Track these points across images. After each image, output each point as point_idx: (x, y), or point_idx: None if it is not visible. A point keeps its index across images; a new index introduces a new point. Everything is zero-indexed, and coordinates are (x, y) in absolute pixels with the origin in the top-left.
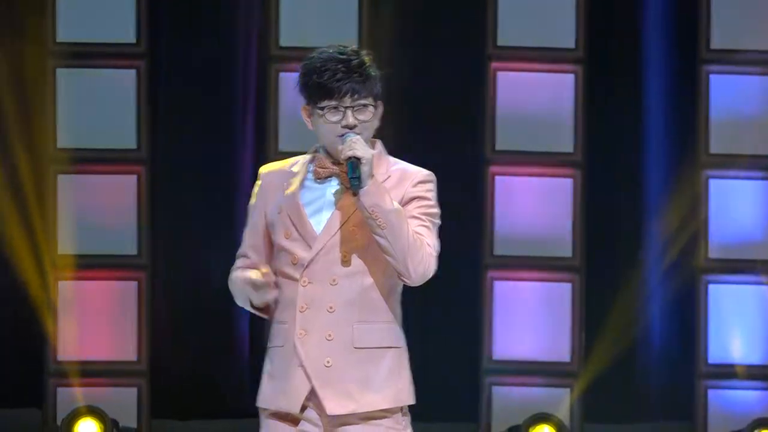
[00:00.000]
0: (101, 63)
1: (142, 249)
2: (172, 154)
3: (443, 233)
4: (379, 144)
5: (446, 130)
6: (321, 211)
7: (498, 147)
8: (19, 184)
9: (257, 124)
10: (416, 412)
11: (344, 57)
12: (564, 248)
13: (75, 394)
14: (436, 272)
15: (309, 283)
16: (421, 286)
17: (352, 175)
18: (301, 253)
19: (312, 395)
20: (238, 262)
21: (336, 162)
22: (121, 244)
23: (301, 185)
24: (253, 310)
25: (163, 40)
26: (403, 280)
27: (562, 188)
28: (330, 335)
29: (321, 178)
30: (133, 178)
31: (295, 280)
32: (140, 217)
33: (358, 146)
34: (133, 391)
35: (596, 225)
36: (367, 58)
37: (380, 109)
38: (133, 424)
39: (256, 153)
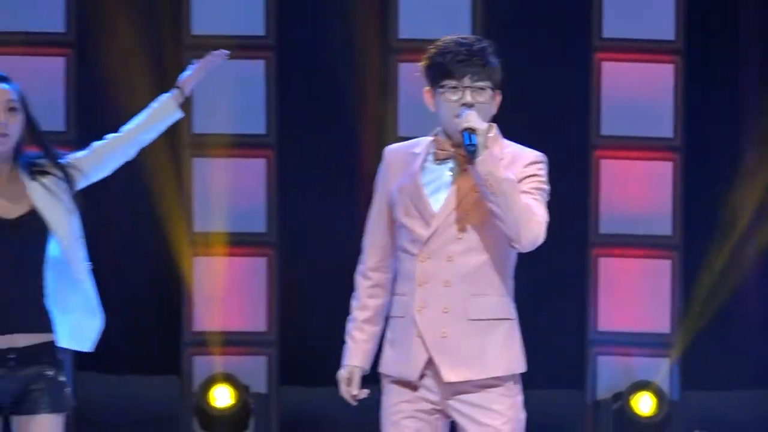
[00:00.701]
0: (232, 54)
1: (272, 227)
2: (298, 139)
3: (554, 212)
4: (494, 127)
5: (556, 116)
6: (439, 190)
7: (603, 132)
8: (159, 168)
9: (378, 110)
10: (527, 380)
11: (466, 42)
12: (664, 227)
13: (210, 362)
14: (546, 248)
15: (427, 258)
16: (532, 262)
17: (468, 144)
18: (420, 230)
19: (430, 364)
20: (358, 290)
21: (455, 144)
22: (252, 222)
23: (422, 166)
24: None
25: (291, 33)
26: (513, 246)
27: (662, 171)
28: (446, 308)
29: (440, 159)
30: (262, 161)
31: (414, 255)
32: (270, 198)
33: (473, 119)
34: (263, 359)
35: (694, 205)
36: (488, 47)
37: (498, 98)
38: (264, 390)
39: (377, 138)
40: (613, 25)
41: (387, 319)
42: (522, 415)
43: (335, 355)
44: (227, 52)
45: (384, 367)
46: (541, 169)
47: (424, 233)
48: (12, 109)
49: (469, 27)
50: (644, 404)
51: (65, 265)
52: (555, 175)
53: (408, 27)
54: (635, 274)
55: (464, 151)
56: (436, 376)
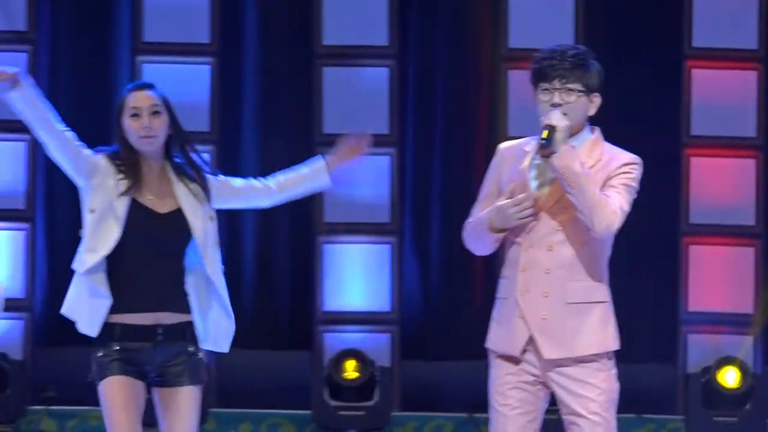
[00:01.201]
0: (359, 62)
1: (395, 217)
2: (419, 140)
3: (650, 205)
4: (597, 131)
5: (649, 118)
6: (543, 185)
7: (693, 133)
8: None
9: (490, 114)
10: (623, 356)
11: (561, 50)
12: (748, 217)
13: (339, 338)
14: (643, 237)
15: (529, 247)
16: (632, 250)
17: (545, 140)
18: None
19: (530, 342)
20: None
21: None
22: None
23: (531, 162)
24: (494, 236)
25: (410, 42)
26: (592, 234)
27: (746, 167)
28: (546, 293)
29: (545, 156)
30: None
31: (519, 243)
32: (393, 193)
33: (554, 117)
34: (387, 336)
35: None
36: (582, 53)
37: (596, 101)
38: (387, 364)
39: (489, 138)
40: (703, 35)
41: (494, 300)
42: (615, 387)
43: (451, 333)
44: (369, 140)
45: (490, 344)
46: (634, 170)
47: (528, 224)
48: (156, 113)
49: (572, 36)
50: (730, 378)
51: (202, 268)
52: (651, 172)
53: (517, 37)
54: (721, 260)
55: (543, 146)
56: (537, 352)
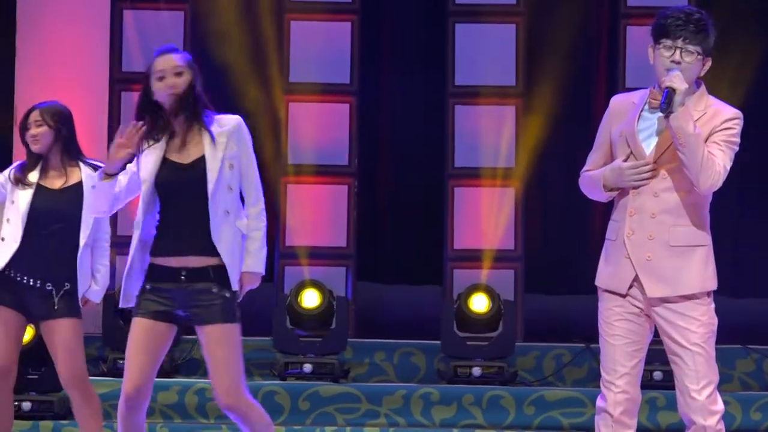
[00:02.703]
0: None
1: (519, 163)
2: (545, 93)
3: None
4: (702, 85)
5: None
6: (651, 136)
7: None
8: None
9: (609, 67)
10: (731, 291)
11: (688, 11)
12: None
13: (468, 275)
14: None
15: (637, 194)
16: (736, 202)
17: (665, 101)
18: None
19: (635, 280)
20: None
21: None
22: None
23: (640, 114)
24: (607, 194)
25: (538, 4)
26: (697, 189)
27: None
28: (651, 235)
29: (653, 108)
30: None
31: (627, 190)
32: (517, 141)
33: (676, 80)
34: (511, 272)
35: None
36: (705, 18)
37: (707, 64)
38: (511, 298)
39: (608, 89)
40: None
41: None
42: (714, 320)
43: (569, 269)
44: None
45: (599, 281)
46: (736, 125)
47: None
48: (178, 74)
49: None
50: None
51: (234, 214)
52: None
53: None
54: None
55: (662, 107)
56: (641, 289)
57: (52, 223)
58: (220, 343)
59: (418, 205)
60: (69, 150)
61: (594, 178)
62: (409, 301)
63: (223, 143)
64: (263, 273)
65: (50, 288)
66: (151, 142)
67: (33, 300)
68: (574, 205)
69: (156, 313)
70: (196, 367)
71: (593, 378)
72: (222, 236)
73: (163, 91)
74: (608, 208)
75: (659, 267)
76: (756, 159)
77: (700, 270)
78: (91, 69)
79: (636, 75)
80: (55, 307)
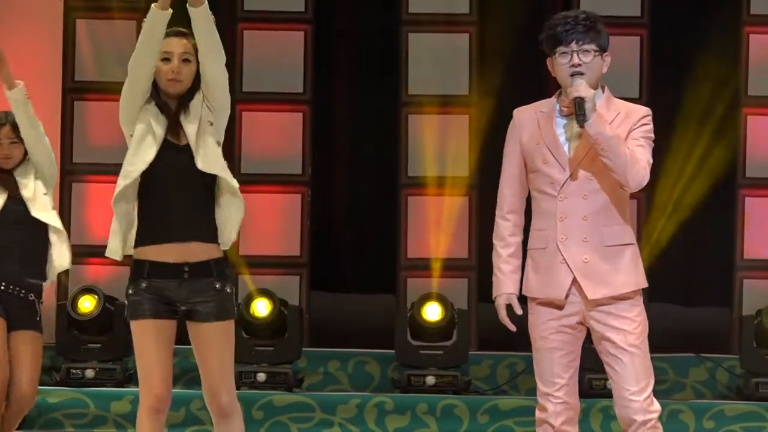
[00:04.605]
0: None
1: (472, 172)
2: (497, 102)
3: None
4: (606, 88)
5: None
6: (570, 140)
7: (750, 93)
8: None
9: None
10: (684, 300)
11: (572, 14)
12: None
13: (422, 283)
14: (701, 193)
15: (565, 198)
16: (693, 208)
17: (578, 111)
18: (558, 174)
19: (572, 285)
20: (500, 230)
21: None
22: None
23: (555, 122)
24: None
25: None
26: (623, 189)
27: None
28: (585, 238)
29: (565, 115)
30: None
31: (553, 196)
32: (470, 150)
33: (582, 88)
34: (465, 281)
35: None
36: (593, 16)
37: (607, 60)
38: (465, 307)
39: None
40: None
41: (527, 250)
42: (646, 320)
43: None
44: None
45: (530, 291)
46: (650, 121)
47: (561, 177)
48: (186, 60)
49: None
50: None
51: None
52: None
53: (587, 3)
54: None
55: (576, 118)
56: (579, 293)
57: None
58: (220, 341)
59: (372, 214)
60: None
61: (495, 263)
62: (362, 310)
63: (198, 110)
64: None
65: (32, 298)
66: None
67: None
68: (526, 214)
69: (159, 312)
70: None
71: None
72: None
73: (165, 75)
74: None
75: (596, 268)
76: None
77: (633, 268)
78: (44, 78)
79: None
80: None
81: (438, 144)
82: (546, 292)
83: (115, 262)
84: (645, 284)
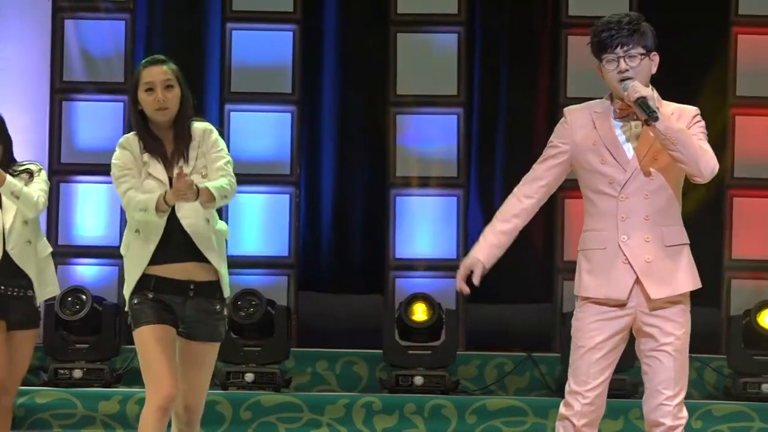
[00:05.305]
0: (430, 29)
1: (461, 171)
2: (485, 100)
3: None
4: (654, 90)
5: (695, 82)
6: (629, 141)
7: (739, 94)
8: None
9: (551, 76)
10: None
11: (616, 19)
12: None
13: (410, 284)
14: (697, 194)
15: (626, 198)
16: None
17: (646, 110)
18: (618, 175)
19: (635, 285)
20: (507, 206)
21: (628, 104)
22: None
23: (613, 123)
24: None
25: (479, 13)
26: (696, 180)
27: None
28: (647, 238)
29: (620, 117)
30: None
31: (613, 196)
32: (460, 150)
33: (640, 88)
34: (454, 282)
35: None
36: (636, 18)
37: (655, 59)
38: (453, 307)
39: (549, 98)
40: (749, 2)
41: (580, 252)
42: (690, 326)
43: (512, 278)
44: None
45: (588, 291)
46: (701, 119)
47: (622, 177)
48: (169, 86)
49: (627, 5)
50: None
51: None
52: None
53: (576, 6)
54: (762, 211)
55: (646, 117)
56: (640, 293)
57: None
58: (206, 362)
59: (360, 214)
60: (9, 160)
61: (483, 232)
62: (351, 310)
63: (194, 156)
64: (213, 200)
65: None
66: (151, 156)
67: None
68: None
69: (163, 318)
70: (138, 376)
71: (535, 387)
72: (208, 246)
73: (152, 105)
74: (548, 217)
75: (659, 268)
76: None
77: (691, 267)
78: (32, 78)
79: (576, 84)
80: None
81: (426, 144)
82: (605, 293)
83: (102, 263)
84: (700, 284)
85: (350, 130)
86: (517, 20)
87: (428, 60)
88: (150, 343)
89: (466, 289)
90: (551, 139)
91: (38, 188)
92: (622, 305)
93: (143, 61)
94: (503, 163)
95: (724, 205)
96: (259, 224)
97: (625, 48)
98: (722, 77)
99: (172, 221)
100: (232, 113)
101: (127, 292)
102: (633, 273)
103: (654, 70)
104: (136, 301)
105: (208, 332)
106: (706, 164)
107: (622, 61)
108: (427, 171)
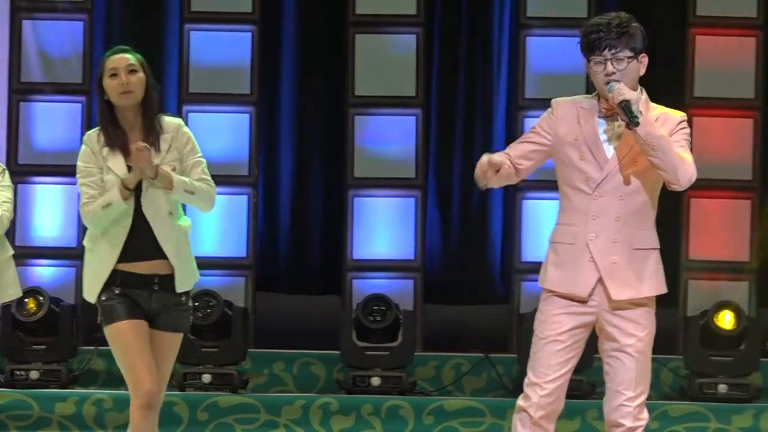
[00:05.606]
0: (389, 30)
1: (419, 173)
2: (443, 102)
3: None
4: (643, 90)
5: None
6: (610, 140)
7: (696, 95)
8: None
9: (509, 76)
10: None
11: (606, 20)
12: (745, 173)
13: (366, 284)
14: None
15: (600, 197)
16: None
17: (628, 114)
18: (594, 173)
19: (597, 284)
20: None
21: (612, 105)
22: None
23: (596, 122)
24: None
25: (438, 14)
26: (672, 188)
27: (744, 126)
28: (616, 239)
29: (605, 116)
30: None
31: (588, 193)
32: (417, 151)
33: (624, 90)
34: (411, 282)
35: None
36: (626, 20)
37: (644, 60)
38: (411, 308)
39: (508, 98)
40: (703, 3)
41: (550, 243)
42: (654, 328)
43: (469, 279)
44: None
45: (551, 285)
46: (687, 126)
47: (598, 176)
48: (132, 71)
49: (585, 5)
50: (725, 320)
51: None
52: None
53: (534, 5)
54: (720, 212)
55: (628, 120)
56: (602, 293)
57: None
58: (171, 350)
59: (318, 215)
60: None
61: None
62: (308, 311)
63: (165, 149)
64: (171, 187)
65: None
66: (110, 150)
67: None
68: (473, 215)
69: (135, 313)
70: (95, 377)
71: (492, 387)
72: (168, 239)
73: (116, 89)
74: (507, 218)
75: (624, 270)
76: None
77: (657, 273)
78: None
79: (535, 85)
80: None
81: (384, 145)
82: (568, 288)
83: (60, 263)
84: (666, 289)
85: (308, 131)
86: (476, 21)
87: (387, 61)
88: (125, 339)
89: (493, 180)
90: (537, 124)
91: (2, 201)
92: (584, 302)
93: (107, 51)
94: (461, 164)
95: (682, 206)
96: (216, 225)
97: (613, 51)
98: (680, 78)
99: (138, 217)
100: (190, 114)
101: (93, 289)
102: (597, 272)
103: (642, 71)
104: (104, 298)
105: (172, 322)
106: (684, 172)
107: (609, 63)
108: (385, 172)
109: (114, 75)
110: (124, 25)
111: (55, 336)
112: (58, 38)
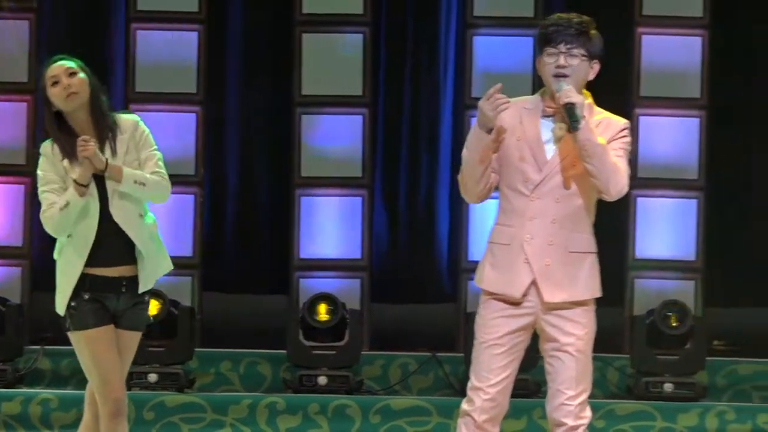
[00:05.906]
0: (336, 29)
1: (366, 172)
2: (390, 101)
3: None
4: (589, 95)
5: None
6: (549, 142)
7: (642, 94)
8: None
9: (456, 76)
10: None
11: (567, 17)
12: (692, 172)
13: (313, 283)
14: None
15: (537, 198)
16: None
17: (570, 117)
18: (533, 174)
19: (531, 286)
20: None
21: (558, 104)
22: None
23: (540, 123)
24: (484, 138)
25: (382, 11)
26: (601, 197)
27: (691, 125)
28: (551, 241)
29: (547, 116)
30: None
31: (526, 195)
32: (364, 150)
33: (572, 93)
34: (358, 281)
35: (718, 154)
36: (588, 22)
37: (595, 67)
38: (357, 307)
39: (455, 99)
40: (651, 2)
41: (488, 243)
42: (595, 327)
43: (415, 278)
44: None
45: (487, 285)
46: (629, 134)
47: (537, 177)
48: (72, 74)
49: (532, 6)
50: (672, 319)
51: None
52: None
53: (481, 5)
54: (667, 211)
55: (569, 123)
56: (536, 295)
57: None
58: (131, 348)
59: (265, 214)
60: None
61: (467, 142)
62: (255, 310)
63: (123, 151)
64: (120, 179)
65: None
66: (70, 162)
67: None
68: (420, 214)
69: (103, 319)
70: (41, 377)
71: (439, 387)
72: (143, 241)
73: (60, 94)
74: (454, 217)
75: (557, 273)
76: None
77: (591, 276)
78: None
79: (482, 85)
80: None
81: (331, 144)
82: (503, 289)
83: (6, 262)
84: (600, 293)
85: (255, 130)
86: (423, 20)
87: (334, 60)
88: (96, 347)
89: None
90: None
91: None
92: (518, 303)
93: (46, 63)
94: (408, 163)
95: (627, 205)
96: (162, 224)
97: (569, 46)
98: (627, 78)
99: (108, 223)
100: (136, 113)
101: (63, 301)
102: (531, 273)
103: (591, 77)
104: (73, 304)
105: (134, 321)
106: (616, 184)
107: (562, 57)
108: (332, 171)
109: (56, 83)
110: (70, 25)
111: (1, 336)
112: (4, 37)
